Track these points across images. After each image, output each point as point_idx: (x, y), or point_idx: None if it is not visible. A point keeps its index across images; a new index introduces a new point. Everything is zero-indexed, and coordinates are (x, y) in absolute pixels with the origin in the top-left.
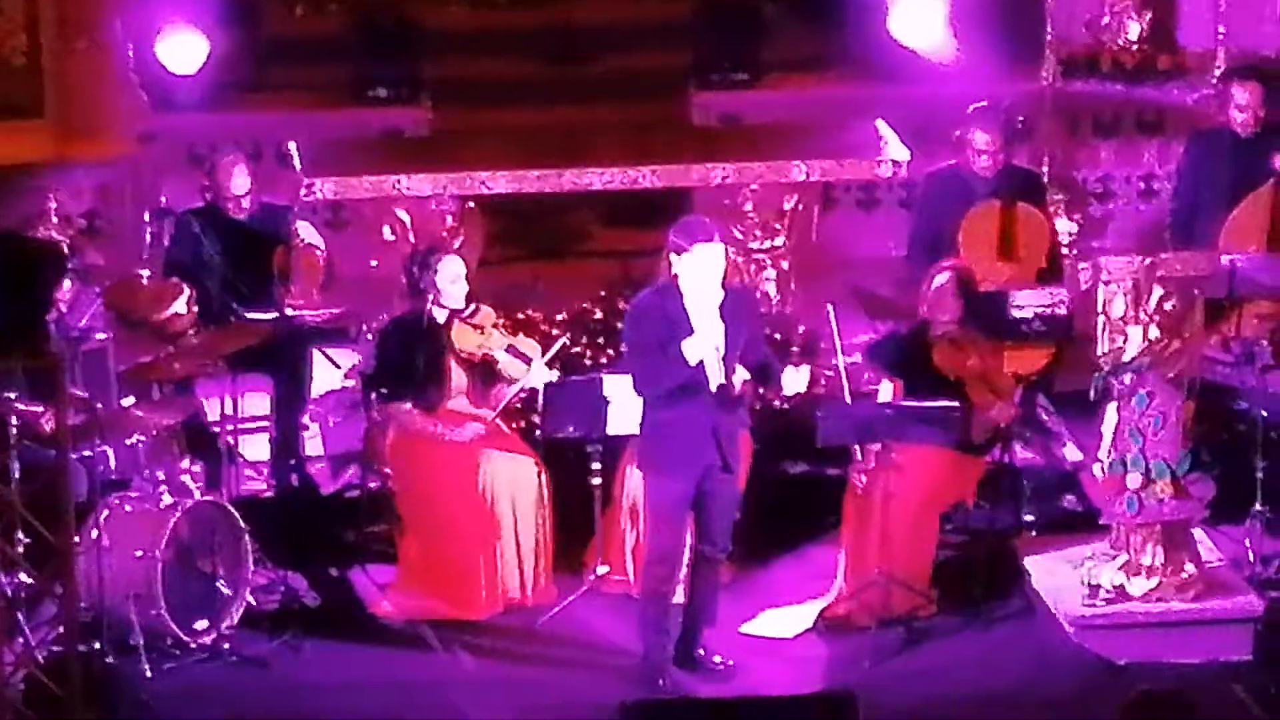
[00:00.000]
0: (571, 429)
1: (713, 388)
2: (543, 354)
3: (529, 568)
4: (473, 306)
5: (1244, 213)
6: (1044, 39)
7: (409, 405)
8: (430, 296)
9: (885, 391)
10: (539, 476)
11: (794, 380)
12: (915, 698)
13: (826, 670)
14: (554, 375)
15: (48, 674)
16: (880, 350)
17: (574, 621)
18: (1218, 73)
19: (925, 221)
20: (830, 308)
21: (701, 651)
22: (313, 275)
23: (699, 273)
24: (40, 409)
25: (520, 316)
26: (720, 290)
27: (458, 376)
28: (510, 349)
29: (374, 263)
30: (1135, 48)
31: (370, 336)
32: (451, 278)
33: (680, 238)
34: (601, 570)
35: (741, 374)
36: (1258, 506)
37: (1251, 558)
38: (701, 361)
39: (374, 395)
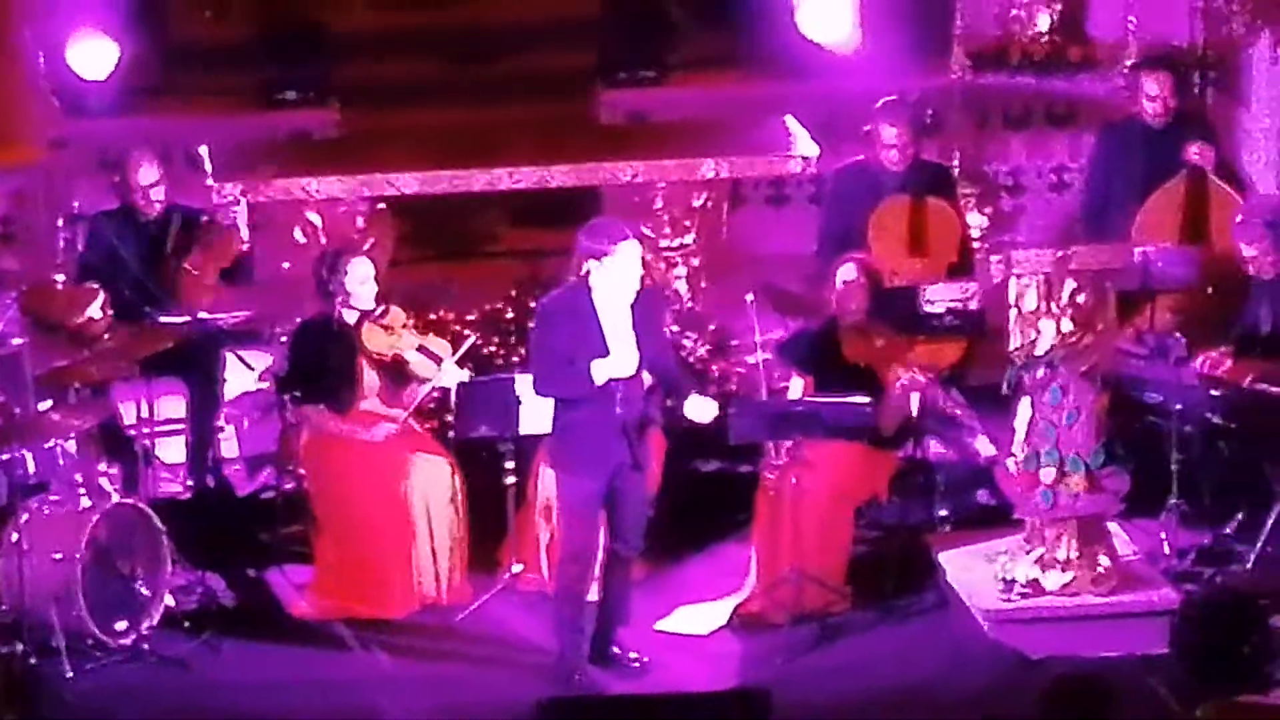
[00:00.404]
0: (484, 429)
1: (623, 383)
2: (453, 353)
3: (444, 567)
4: (383, 307)
5: (1156, 205)
6: (952, 32)
7: (322, 407)
8: (339, 299)
9: (795, 388)
10: (453, 476)
11: (699, 409)
12: (830, 694)
13: (741, 667)
14: (465, 374)
15: None
16: (791, 347)
17: (490, 620)
18: (1128, 64)
19: (835, 217)
20: (750, 299)
21: (616, 649)
22: (221, 253)
23: (620, 273)
24: None
25: (431, 317)
26: (634, 288)
27: (369, 378)
28: (421, 349)
29: (286, 264)
30: (1045, 39)
31: (283, 338)
32: (360, 279)
33: (597, 241)
34: (516, 569)
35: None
36: (1173, 499)
37: (1167, 550)
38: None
39: (287, 398)
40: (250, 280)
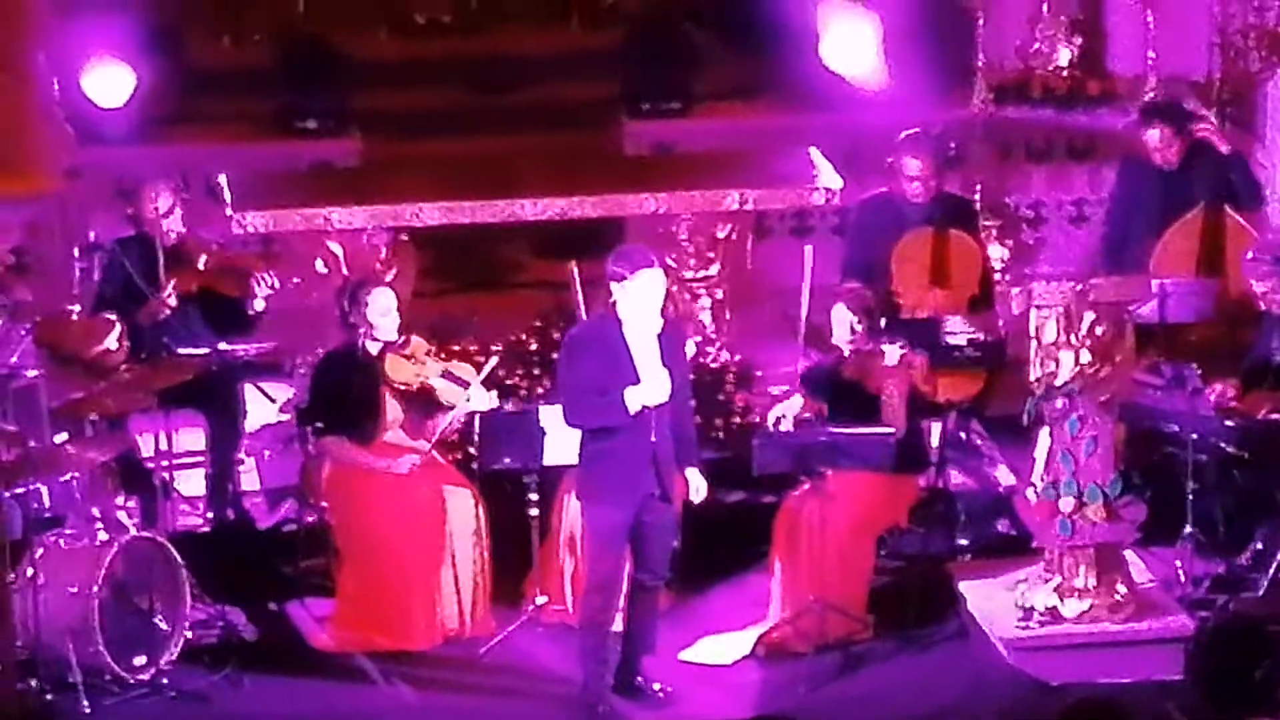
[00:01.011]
0: (508, 460)
1: (652, 416)
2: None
3: (467, 599)
4: (404, 338)
5: (1174, 238)
6: (975, 65)
7: (344, 439)
8: (361, 330)
9: (794, 405)
10: (476, 507)
11: (694, 486)
12: None
13: (764, 696)
14: (492, 397)
15: None
16: (813, 377)
17: (513, 651)
18: (1148, 97)
19: (858, 249)
20: (808, 251)
21: (640, 679)
22: (238, 277)
23: (640, 300)
24: None
25: (455, 348)
26: (659, 319)
27: (392, 409)
28: (446, 374)
29: (309, 290)
30: (1066, 74)
31: (304, 370)
32: (382, 310)
33: (621, 265)
34: (540, 600)
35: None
36: (1188, 529)
37: (1182, 578)
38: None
39: (309, 430)
40: (245, 326)
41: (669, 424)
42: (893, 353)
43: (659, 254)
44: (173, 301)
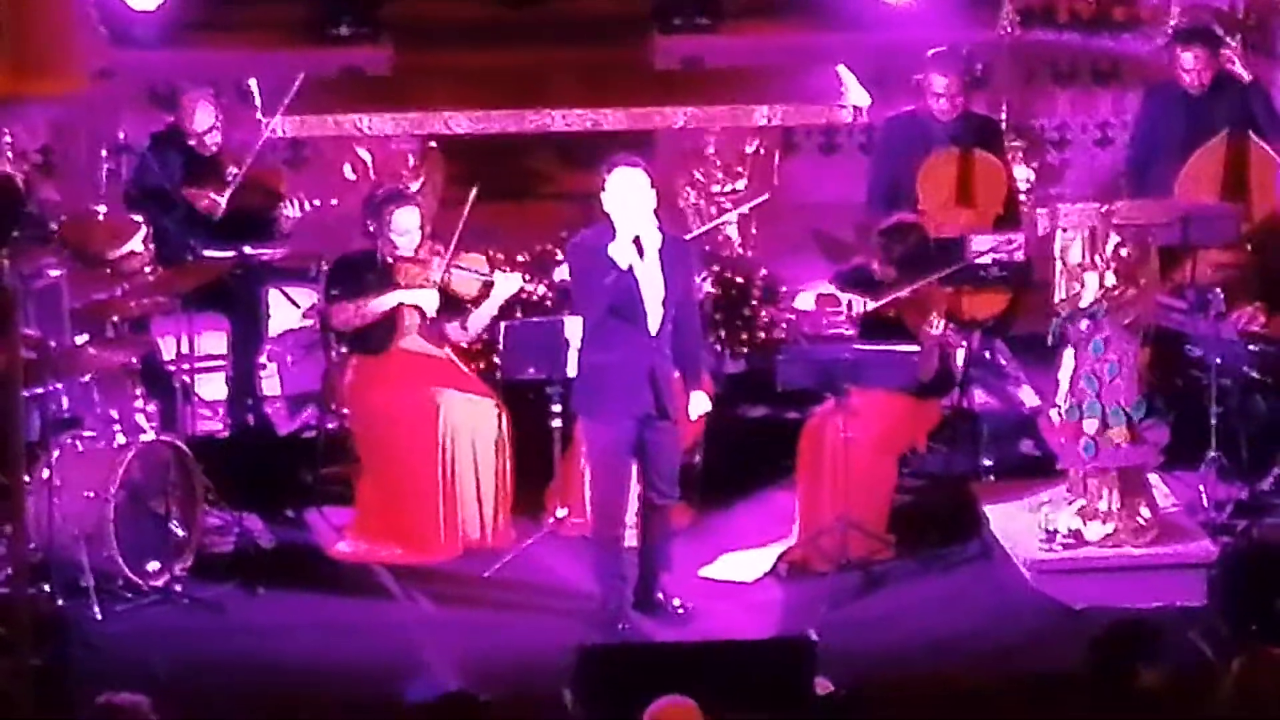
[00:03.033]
0: (532, 370)
1: (651, 330)
2: (488, 268)
3: (488, 510)
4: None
5: (1198, 163)
6: None
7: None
8: (379, 242)
9: (806, 300)
10: (499, 418)
11: (695, 404)
12: (873, 642)
13: (785, 615)
14: (516, 278)
15: None
16: (846, 275)
17: (533, 565)
18: (1171, 24)
19: (884, 167)
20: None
21: (660, 595)
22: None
23: (620, 199)
24: None
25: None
26: (657, 232)
27: (408, 315)
28: (455, 266)
29: (334, 201)
30: None
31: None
32: (403, 230)
33: (604, 169)
34: (561, 513)
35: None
36: (1212, 452)
37: (1205, 503)
38: (640, 303)
39: (330, 294)
40: (271, 237)
41: (670, 342)
42: (938, 324)
43: (687, 168)
44: (223, 202)
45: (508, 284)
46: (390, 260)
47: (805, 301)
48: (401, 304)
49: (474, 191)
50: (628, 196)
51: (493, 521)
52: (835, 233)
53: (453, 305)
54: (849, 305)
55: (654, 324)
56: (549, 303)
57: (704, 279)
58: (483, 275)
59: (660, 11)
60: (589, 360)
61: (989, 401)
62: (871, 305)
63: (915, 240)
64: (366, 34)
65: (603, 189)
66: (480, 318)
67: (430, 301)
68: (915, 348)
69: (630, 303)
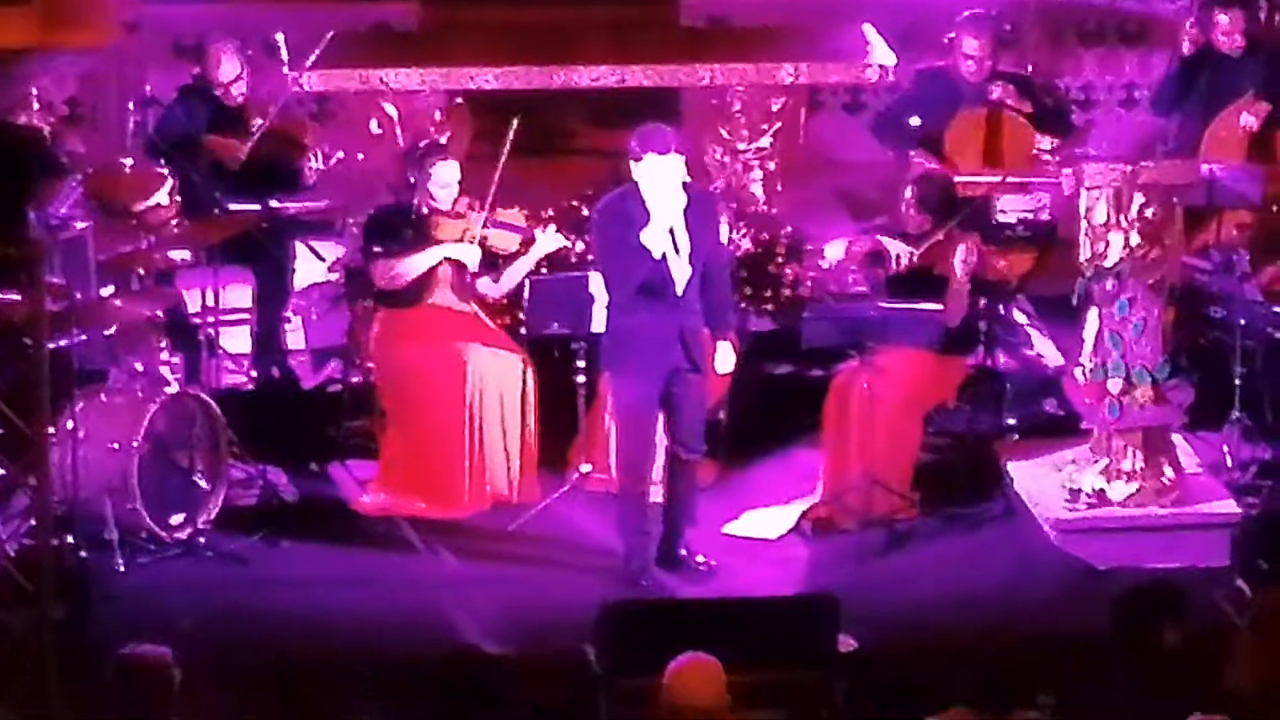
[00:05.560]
0: (556, 326)
1: (678, 289)
2: (525, 223)
3: (514, 465)
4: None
5: (1224, 123)
6: None
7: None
8: (418, 196)
9: (835, 250)
10: (524, 373)
11: (722, 358)
12: (897, 600)
13: (809, 572)
14: (559, 236)
15: (19, 567)
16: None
17: (557, 520)
18: None
19: (903, 109)
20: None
21: (684, 552)
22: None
23: (653, 182)
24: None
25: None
26: (683, 195)
27: (442, 269)
28: (493, 223)
29: (360, 155)
30: None
31: (355, 230)
32: (443, 183)
33: (637, 145)
34: (585, 469)
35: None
36: (1235, 413)
37: (1229, 463)
38: (666, 261)
39: (371, 252)
40: (296, 189)
41: (697, 295)
42: (969, 257)
43: (712, 125)
44: (242, 156)
45: (550, 241)
46: (426, 213)
47: (835, 250)
48: (445, 259)
49: (514, 123)
50: (664, 186)
51: (518, 476)
52: (860, 191)
53: (486, 259)
54: (896, 258)
55: (681, 286)
56: (574, 259)
57: (740, 234)
58: (521, 231)
59: None
60: (617, 319)
61: (1013, 360)
62: (915, 255)
63: (946, 189)
64: None
65: (634, 159)
66: (515, 273)
67: (473, 256)
68: (938, 306)
69: (661, 281)
